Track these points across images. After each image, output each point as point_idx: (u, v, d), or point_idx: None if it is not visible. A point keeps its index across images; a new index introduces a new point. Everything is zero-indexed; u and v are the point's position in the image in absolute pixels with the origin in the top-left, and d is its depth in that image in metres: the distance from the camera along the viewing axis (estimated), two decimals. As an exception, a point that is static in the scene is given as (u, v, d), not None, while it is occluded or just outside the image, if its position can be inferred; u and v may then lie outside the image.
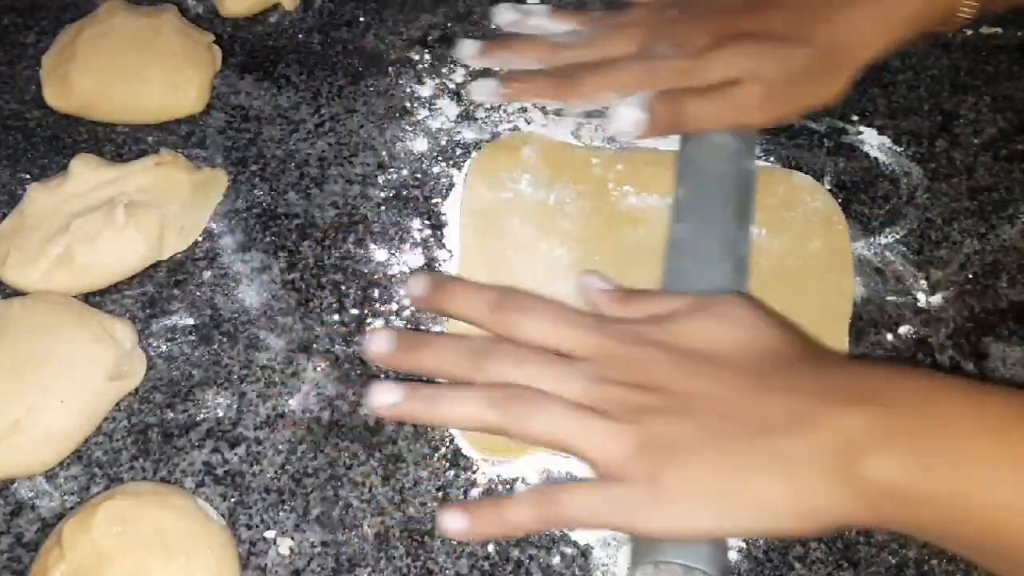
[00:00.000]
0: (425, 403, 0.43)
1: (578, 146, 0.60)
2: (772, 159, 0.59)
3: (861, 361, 0.44)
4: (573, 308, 0.46)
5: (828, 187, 0.58)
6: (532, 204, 0.57)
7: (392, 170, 0.59)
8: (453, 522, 0.42)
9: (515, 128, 0.61)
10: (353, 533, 0.46)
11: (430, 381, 0.47)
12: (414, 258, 0.55)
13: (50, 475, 0.48)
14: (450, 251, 0.56)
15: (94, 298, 0.53)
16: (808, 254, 0.55)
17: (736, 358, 0.42)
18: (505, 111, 0.61)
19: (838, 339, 0.51)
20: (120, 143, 0.60)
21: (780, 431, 0.39)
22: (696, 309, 0.45)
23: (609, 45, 0.58)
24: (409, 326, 0.53)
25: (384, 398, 0.44)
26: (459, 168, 0.59)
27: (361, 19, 0.67)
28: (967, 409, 0.38)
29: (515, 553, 0.46)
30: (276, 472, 0.48)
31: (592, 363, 0.43)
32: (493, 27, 0.66)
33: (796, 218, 0.56)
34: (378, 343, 0.46)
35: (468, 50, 0.61)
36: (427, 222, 0.57)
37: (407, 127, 0.61)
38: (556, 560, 0.46)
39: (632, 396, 0.41)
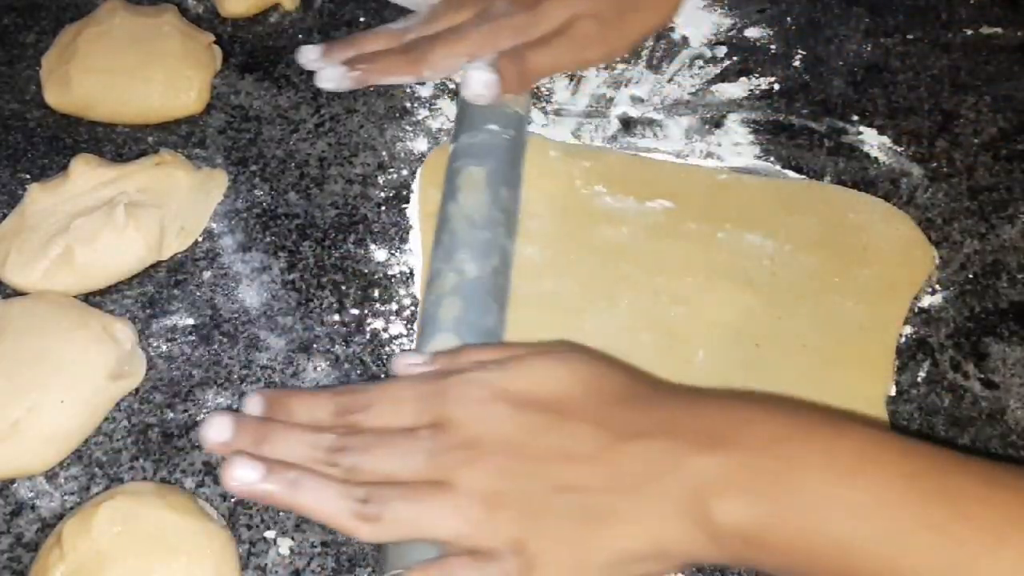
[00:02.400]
0: (285, 487, 0.41)
1: (529, 139, 0.59)
2: (772, 159, 0.59)
3: (711, 400, 0.43)
4: (412, 379, 0.45)
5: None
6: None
7: (392, 170, 0.59)
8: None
9: (515, 128, 0.61)
10: (353, 533, 0.46)
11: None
12: (414, 258, 0.55)
13: (50, 475, 0.48)
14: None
15: (94, 298, 0.53)
16: (852, 278, 0.54)
17: (584, 403, 0.41)
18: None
19: (879, 372, 0.51)
20: (120, 143, 0.60)
21: (635, 481, 0.39)
22: (532, 353, 0.44)
23: (449, 16, 0.60)
24: (410, 327, 0.53)
25: (240, 474, 0.41)
26: (459, 168, 0.59)
27: (361, 19, 0.67)
28: (816, 453, 0.38)
29: (515, 553, 0.46)
30: (276, 472, 0.48)
31: (434, 431, 0.42)
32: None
33: (854, 244, 0.55)
34: (214, 431, 0.42)
35: (309, 55, 0.61)
36: (427, 222, 0.57)
37: (407, 127, 0.61)
38: (556, 560, 0.46)
39: (480, 460, 0.40)
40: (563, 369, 0.43)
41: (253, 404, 0.45)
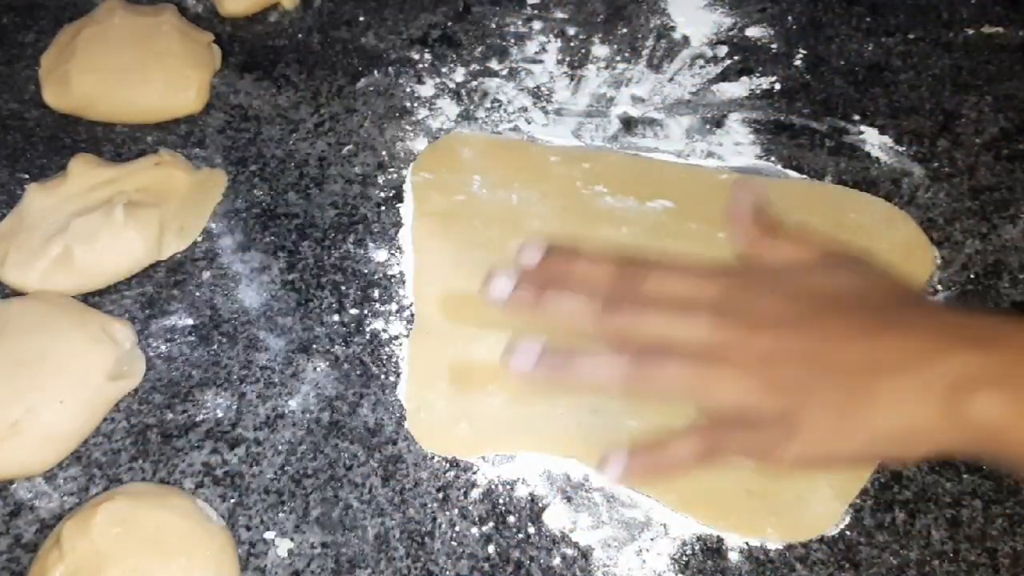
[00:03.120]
0: (557, 367, 0.45)
1: (528, 143, 0.59)
2: (773, 159, 0.59)
3: (964, 308, 0.46)
4: (694, 261, 0.47)
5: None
6: (493, 205, 0.56)
7: (392, 170, 0.59)
8: (613, 468, 0.43)
9: (515, 128, 0.61)
10: (353, 534, 0.46)
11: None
12: (406, 258, 0.55)
13: (49, 476, 0.48)
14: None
15: (93, 298, 0.53)
16: None
17: (853, 301, 0.44)
18: (505, 111, 0.61)
19: None
20: (119, 143, 0.60)
21: (895, 367, 0.42)
22: (822, 262, 0.47)
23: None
24: (410, 326, 0.52)
25: (523, 362, 0.45)
26: (459, 168, 0.59)
27: (361, 18, 0.66)
28: None
29: (516, 554, 0.46)
30: (276, 473, 0.48)
31: (713, 308, 0.45)
32: (493, 26, 0.66)
33: (855, 244, 0.54)
34: (497, 288, 0.45)
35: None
36: (427, 222, 0.57)
37: (407, 127, 0.61)
38: (557, 561, 0.46)
39: (754, 338, 0.43)
40: (840, 277, 0.46)
41: (531, 251, 0.46)
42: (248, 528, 0.46)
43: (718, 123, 0.61)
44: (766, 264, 0.47)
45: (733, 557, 0.46)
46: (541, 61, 0.64)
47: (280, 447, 0.49)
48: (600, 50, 0.65)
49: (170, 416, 0.50)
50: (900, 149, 0.60)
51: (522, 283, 0.45)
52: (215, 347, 0.52)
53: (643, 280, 0.46)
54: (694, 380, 0.43)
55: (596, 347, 0.44)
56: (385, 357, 0.52)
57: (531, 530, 0.46)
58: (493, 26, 0.66)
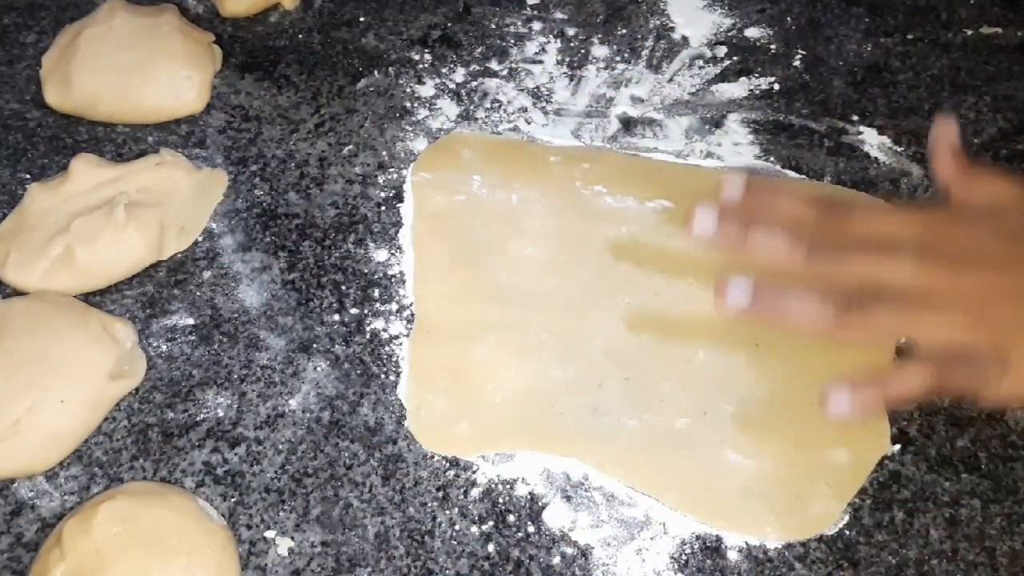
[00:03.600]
0: (769, 307, 0.44)
1: (527, 143, 0.60)
2: (772, 159, 0.59)
3: None
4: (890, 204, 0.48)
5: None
6: (493, 205, 0.56)
7: (392, 170, 0.59)
8: (838, 403, 0.43)
9: (515, 128, 0.61)
10: (353, 533, 0.46)
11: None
12: (406, 258, 0.55)
13: (50, 475, 0.48)
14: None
15: (94, 298, 0.53)
16: None
17: None
18: (505, 111, 0.62)
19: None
20: (120, 143, 0.60)
21: None
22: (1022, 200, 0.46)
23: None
24: (410, 326, 0.53)
25: (739, 298, 0.44)
26: (459, 168, 0.59)
27: (361, 19, 0.67)
28: None
29: (515, 553, 0.46)
30: (276, 472, 0.48)
31: (917, 247, 0.44)
32: (493, 27, 0.66)
33: None
34: (701, 223, 0.45)
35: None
36: (427, 222, 0.57)
37: (407, 127, 0.61)
38: (556, 560, 0.46)
39: (960, 276, 0.43)
40: None
41: (734, 187, 0.46)
42: (249, 527, 0.46)
43: (717, 123, 0.61)
44: (967, 202, 0.47)
45: (732, 556, 0.46)
46: (541, 61, 0.64)
47: (280, 446, 0.49)
48: (599, 50, 0.65)
49: (171, 415, 0.50)
50: (899, 149, 0.60)
51: (725, 220, 0.44)
52: (216, 346, 0.52)
53: (847, 220, 0.45)
54: (904, 322, 0.43)
55: (798, 286, 0.44)
56: (385, 356, 0.52)
57: (531, 529, 0.47)
58: (493, 27, 0.66)
